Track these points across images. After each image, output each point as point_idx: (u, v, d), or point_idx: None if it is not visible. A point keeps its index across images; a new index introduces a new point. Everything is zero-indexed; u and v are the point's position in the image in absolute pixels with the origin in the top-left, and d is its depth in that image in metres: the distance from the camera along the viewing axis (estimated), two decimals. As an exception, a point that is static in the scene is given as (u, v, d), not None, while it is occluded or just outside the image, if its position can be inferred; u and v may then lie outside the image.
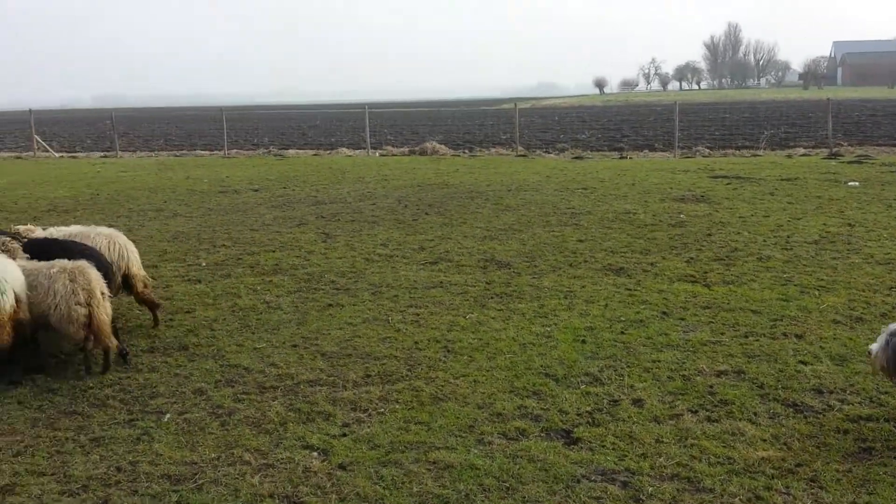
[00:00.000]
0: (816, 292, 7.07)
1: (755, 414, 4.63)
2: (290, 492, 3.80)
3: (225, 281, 8.08)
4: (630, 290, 7.34)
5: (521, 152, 24.05)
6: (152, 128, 53.49)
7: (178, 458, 4.16)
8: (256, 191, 16.00)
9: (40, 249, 6.03)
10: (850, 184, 13.98)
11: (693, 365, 5.40)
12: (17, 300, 5.29)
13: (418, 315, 6.75)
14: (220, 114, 30.39)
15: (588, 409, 4.76)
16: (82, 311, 5.38)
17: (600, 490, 3.82)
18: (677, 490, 3.81)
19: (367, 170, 19.98)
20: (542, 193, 14.03)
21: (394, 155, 25.83)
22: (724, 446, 4.22)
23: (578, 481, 3.90)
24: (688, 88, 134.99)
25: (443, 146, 26.62)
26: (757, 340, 5.88)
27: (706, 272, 7.92)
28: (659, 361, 5.49)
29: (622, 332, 6.12)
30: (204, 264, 8.92)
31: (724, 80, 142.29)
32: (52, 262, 5.62)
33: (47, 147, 30.69)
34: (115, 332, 5.74)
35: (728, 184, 14.51)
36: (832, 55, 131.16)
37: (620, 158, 21.69)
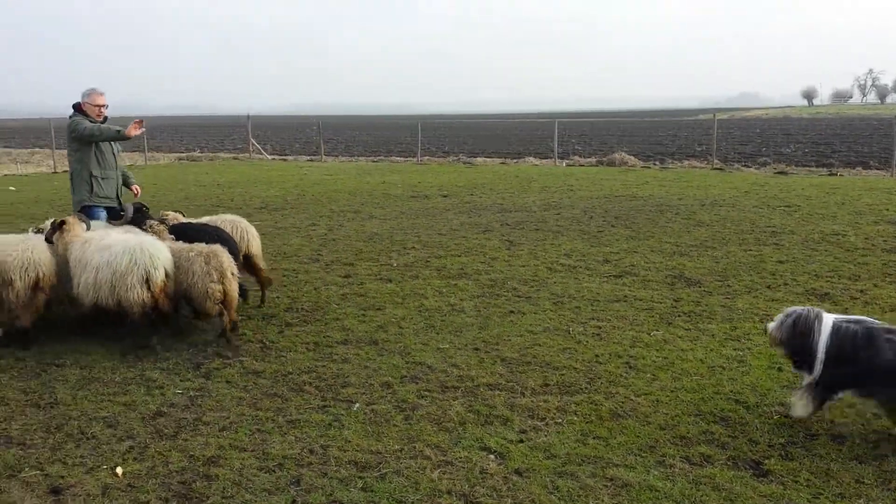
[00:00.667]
0: None
1: (980, 466, 4.12)
2: (467, 491, 3.89)
3: (413, 282, 8.41)
4: (834, 317, 6.78)
5: (717, 165, 22.96)
6: (353, 134, 56.68)
7: (364, 447, 4.39)
8: (445, 197, 16.48)
9: (183, 233, 6.86)
10: None
11: (906, 405, 4.90)
12: (167, 275, 6.07)
13: (600, 328, 6.65)
14: (415, 122, 31.61)
15: (781, 441, 4.47)
16: (217, 287, 6.09)
17: (791, 528, 3.57)
18: (881, 539, 3.48)
19: (553, 179, 19.95)
20: (738, 209, 13.32)
21: (581, 165, 25.58)
22: (939, 498, 3.80)
23: (766, 516, 3.67)
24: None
25: (632, 157, 26.00)
26: None
27: (926, 304, 7.16)
28: (865, 397, 5.02)
29: (823, 363, 5.67)
30: (395, 265, 9.33)
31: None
32: (191, 245, 6.37)
33: (261, 150, 33.48)
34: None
35: (958, 207, 12.99)
36: None
37: (829, 175, 20.09)
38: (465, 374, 5.54)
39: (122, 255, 5.95)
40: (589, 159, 27.64)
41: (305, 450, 4.36)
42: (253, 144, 32.96)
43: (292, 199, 16.25)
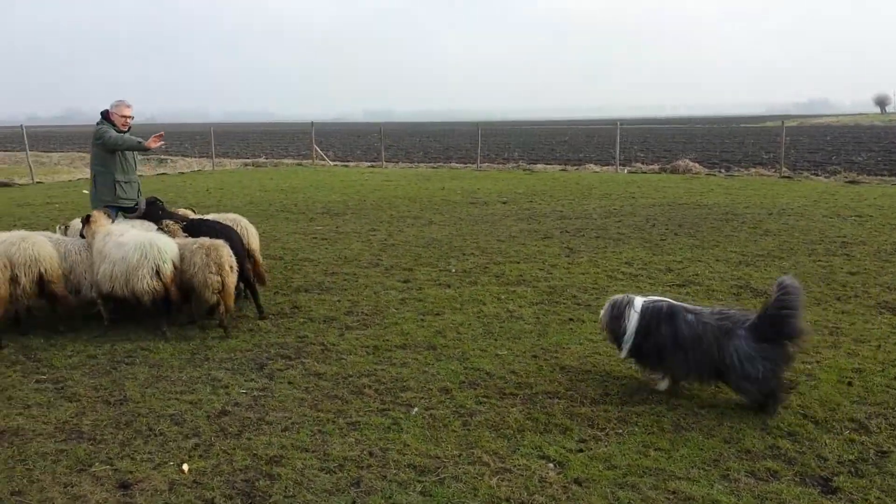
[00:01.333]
0: None
1: None
2: (526, 499, 3.87)
3: (472, 288, 8.42)
4: (910, 331, 6.53)
5: (785, 174, 22.35)
6: (413, 141, 57.08)
7: (423, 451, 4.41)
8: (505, 203, 16.46)
9: (195, 228, 7.52)
10: None
11: None
12: (175, 267, 6.73)
13: (662, 338, 6.53)
14: (475, 129, 31.68)
15: (851, 457, 4.32)
16: (216, 279, 6.66)
17: (862, 549, 3.44)
18: (960, 564, 3.33)
19: (614, 186, 19.72)
20: (807, 219, 12.94)
21: (643, 172, 25.22)
22: None
23: (836, 535, 3.55)
24: None
25: (696, 164, 25.53)
26: None
27: None
28: (943, 416, 4.82)
29: (897, 378, 5.47)
30: (454, 270, 9.36)
31: None
32: (195, 239, 7.02)
33: (324, 156, 34.01)
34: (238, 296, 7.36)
35: None
36: None
37: (904, 184, 19.35)
38: (523, 382, 5.52)
39: (135, 251, 6.63)
40: (651, 166, 27.23)
41: (365, 452, 4.41)
42: (316, 151, 33.50)
43: (353, 205, 16.45)
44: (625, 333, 5.30)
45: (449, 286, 8.54)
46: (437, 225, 13.28)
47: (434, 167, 30.70)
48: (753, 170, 24.77)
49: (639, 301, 5.37)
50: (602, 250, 10.55)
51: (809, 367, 5.75)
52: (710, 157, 31.99)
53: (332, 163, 33.13)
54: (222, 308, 6.80)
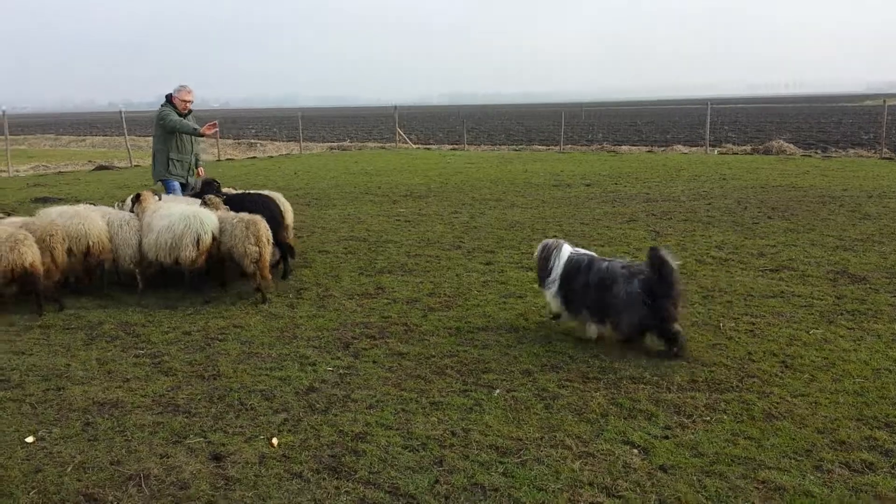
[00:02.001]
0: None
1: None
2: (609, 484, 3.82)
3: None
4: None
5: (886, 155, 21.21)
6: (495, 123, 56.84)
7: (504, 433, 4.41)
8: (588, 186, 16.22)
9: (236, 203, 8.22)
10: None
11: None
12: (214, 238, 7.37)
13: (754, 325, 6.33)
14: (559, 111, 31.28)
15: (958, 453, 4.09)
16: (254, 249, 7.25)
17: (970, 550, 3.26)
18: None
19: (703, 168, 19.16)
20: (912, 202, 12.24)
21: (734, 153, 24.41)
22: None
23: (940, 534, 3.37)
24: None
25: (791, 145, 24.53)
26: None
27: None
28: None
29: None
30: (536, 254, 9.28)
31: None
32: (237, 214, 7.59)
33: (406, 139, 34.28)
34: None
35: None
36: None
37: None
38: (607, 366, 5.44)
39: (180, 222, 7.34)
40: (743, 147, 26.33)
41: (448, 431, 4.44)
42: (399, 134, 33.80)
43: (435, 188, 16.53)
44: (550, 275, 6.12)
45: (531, 269, 8.47)
46: (519, 208, 13.21)
47: (516, 149, 30.52)
48: (852, 151, 23.65)
49: (567, 249, 6.17)
50: (690, 234, 10.28)
51: (913, 357, 5.46)
52: (805, 138, 30.68)
53: (414, 146, 33.37)
54: (259, 276, 7.37)
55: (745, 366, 5.41)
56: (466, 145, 32.24)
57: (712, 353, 5.66)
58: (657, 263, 5.60)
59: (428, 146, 33.55)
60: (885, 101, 24.33)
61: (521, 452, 4.17)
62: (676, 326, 5.62)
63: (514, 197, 14.63)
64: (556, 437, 4.34)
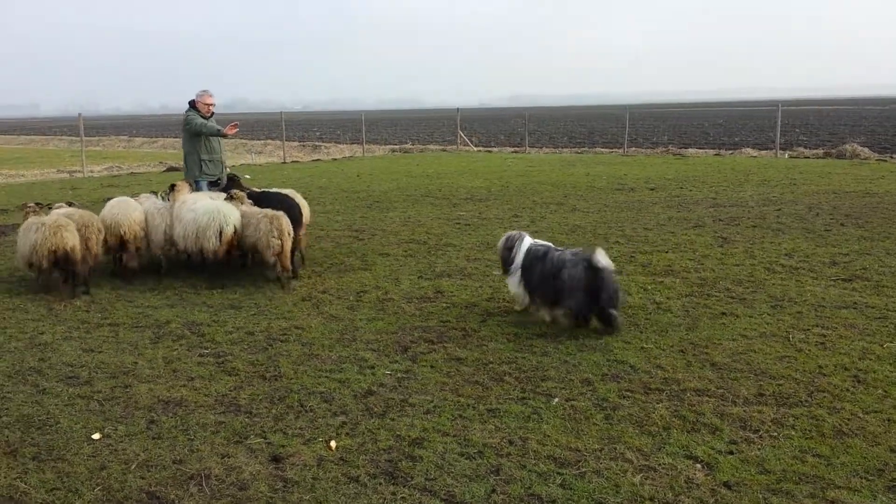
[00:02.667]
0: None
1: None
2: (671, 499, 3.72)
3: (616, 277, 8.19)
4: None
5: (971, 159, 20.24)
6: (558, 126, 56.43)
7: (563, 443, 4.34)
8: (653, 189, 15.94)
9: (259, 199, 8.79)
10: None
11: None
12: (235, 231, 8.02)
13: (824, 337, 6.10)
14: (623, 112, 30.83)
15: None
16: (276, 242, 7.85)
17: None
18: None
19: (773, 172, 18.62)
20: None
21: (806, 157, 23.66)
22: None
23: None
24: None
25: (865, 149, 23.64)
26: None
27: None
28: None
29: None
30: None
31: None
32: (261, 209, 8.22)
33: (468, 141, 34.30)
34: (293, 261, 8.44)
35: None
36: None
37: None
38: (670, 377, 5.31)
39: (205, 215, 8.00)
40: (815, 151, 25.49)
41: (505, 440, 4.40)
42: (461, 136, 33.84)
43: (496, 191, 16.47)
44: (513, 263, 6.73)
45: (593, 275, 8.35)
46: (580, 212, 13.05)
47: (578, 152, 30.22)
48: (934, 154, 22.61)
49: (528, 241, 6.79)
50: (759, 240, 9.98)
51: None
52: (881, 142, 29.54)
53: (476, 148, 33.35)
54: (279, 266, 8.04)
55: (815, 380, 5.21)
56: (528, 148, 32.06)
57: (780, 366, 5.47)
58: (593, 271, 6.23)
59: (489, 149, 33.50)
60: (969, 103, 23.22)
61: (580, 464, 4.09)
62: (614, 311, 6.24)
63: (575, 201, 14.47)
64: (616, 449, 4.25)
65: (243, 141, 43.79)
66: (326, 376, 5.47)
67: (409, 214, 13.24)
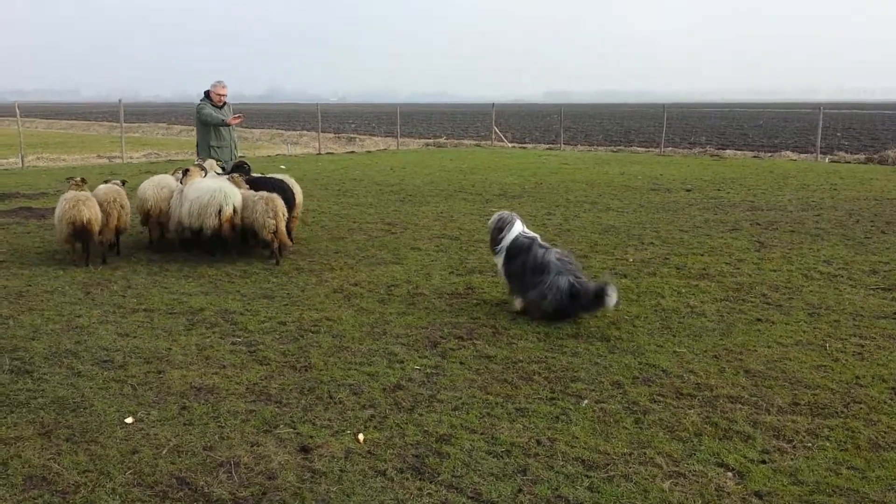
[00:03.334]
0: None
1: None
2: (700, 507, 3.67)
3: (650, 279, 8.12)
4: None
5: None
6: (593, 123, 56.00)
7: (591, 445, 4.31)
8: (689, 191, 15.75)
9: (257, 183, 9.44)
10: None
11: None
12: (235, 211, 8.65)
13: (862, 346, 5.97)
14: (661, 110, 30.49)
15: None
16: (272, 222, 8.55)
17: None
18: None
19: (813, 176, 18.28)
20: None
21: (847, 162, 23.20)
22: None
23: None
24: None
25: (911, 155, 23.05)
26: None
27: None
28: None
29: None
30: (631, 260, 9.07)
31: None
32: (258, 192, 8.85)
33: (502, 137, 34.20)
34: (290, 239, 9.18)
35: None
36: None
37: None
38: (703, 383, 5.24)
39: (207, 194, 8.60)
40: (857, 155, 24.98)
41: (533, 440, 4.37)
42: (495, 132, 33.74)
43: (529, 188, 16.40)
44: (500, 244, 6.95)
45: (625, 276, 8.29)
46: (614, 211, 12.94)
47: (614, 150, 29.97)
48: (982, 162, 22.03)
49: (518, 227, 6.99)
50: (797, 246, 9.81)
51: None
52: (927, 147, 28.77)
53: (510, 144, 33.23)
54: (276, 244, 8.73)
55: (852, 390, 5.11)
56: (563, 145, 31.86)
57: (816, 375, 5.37)
58: (598, 295, 6.40)
59: (524, 145, 33.36)
60: None
61: (609, 467, 4.05)
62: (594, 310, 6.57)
63: (609, 200, 14.35)
64: (645, 453, 4.21)
65: (279, 131, 44.15)
66: (356, 369, 5.49)
67: (442, 209, 13.24)
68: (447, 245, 10.01)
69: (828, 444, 4.33)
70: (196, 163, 10.24)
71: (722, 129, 46.24)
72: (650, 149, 29.96)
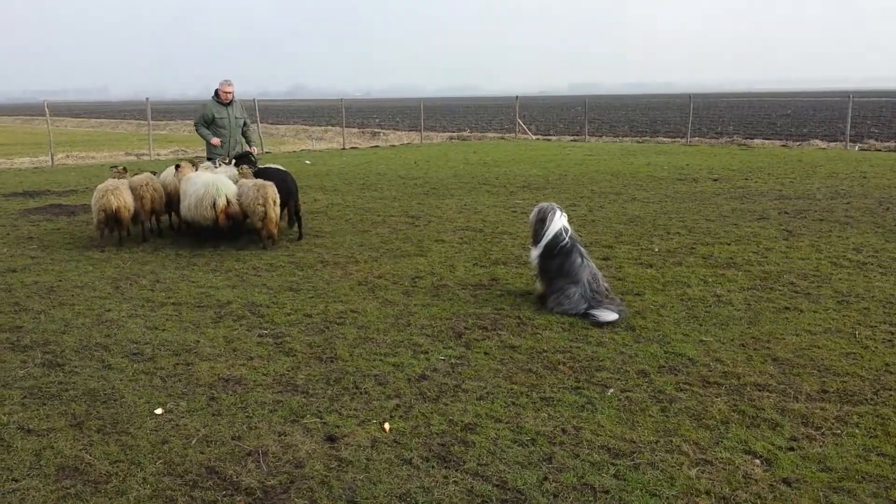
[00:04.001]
0: None
1: None
2: (728, 494, 3.65)
3: (676, 269, 8.06)
4: None
5: None
6: (619, 114, 55.58)
7: (617, 434, 4.30)
8: (716, 180, 15.59)
9: (261, 174, 9.84)
10: None
11: None
12: (228, 201, 9.09)
13: (892, 334, 5.89)
14: (687, 101, 30.18)
15: None
16: (261, 209, 9.00)
17: None
18: None
19: (842, 165, 18.00)
20: None
21: (877, 150, 22.80)
22: None
23: None
24: None
25: (944, 142, 22.60)
26: None
27: None
28: None
29: None
30: (657, 250, 9.01)
31: None
32: (255, 180, 9.29)
33: (526, 129, 34.07)
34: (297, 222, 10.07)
35: None
36: None
37: None
38: (729, 371, 5.20)
39: (202, 187, 9.09)
40: (888, 143, 24.54)
41: (558, 428, 4.37)
42: (519, 125, 33.63)
43: (554, 179, 16.34)
44: (543, 237, 6.79)
45: (651, 266, 8.23)
46: (640, 202, 12.85)
47: (639, 141, 29.73)
48: None
49: (559, 219, 6.85)
50: (826, 234, 9.67)
51: None
52: (961, 133, 28.23)
53: (534, 136, 33.11)
54: (265, 231, 9.18)
55: (882, 378, 5.04)
56: (587, 136, 31.67)
57: (846, 363, 5.30)
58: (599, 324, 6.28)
59: (548, 137, 33.22)
60: None
61: (635, 455, 4.04)
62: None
63: (634, 191, 14.25)
64: (671, 441, 4.19)
65: (304, 127, 44.38)
66: (381, 360, 5.52)
67: (466, 202, 13.24)
68: (471, 237, 10.02)
69: (857, 432, 4.28)
70: (189, 159, 11.12)
71: (749, 119, 45.68)
72: (677, 139, 29.68)
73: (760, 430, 4.31)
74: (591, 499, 3.64)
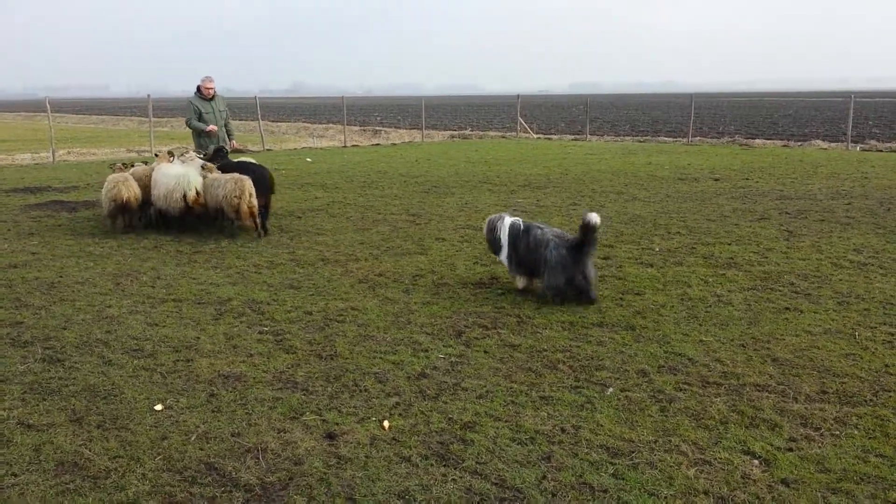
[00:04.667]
0: None
1: None
2: (726, 494, 3.65)
3: (676, 268, 8.06)
4: None
5: None
6: (620, 114, 55.55)
7: (616, 433, 4.30)
8: (717, 180, 15.59)
9: (236, 167, 10.33)
10: None
11: None
12: (198, 193, 9.71)
13: (892, 335, 5.89)
14: (689, 101, 30.17)
15: None
16: (235, 201, 9.41)
17: None
18: None
19: (843, 165, 18.00)
20: None
21: (878, 151, 22.79)
22: None
23: None
24: None
25: (946, 143, 22.59)
26: None
27: None
28: None
29: None
30: (657, 249, 9.01)
31: None
32: (232, 174, 9.69)
33: (528, 128, 34.07)
34: (261, 218, 10.02)
35: None
36: None
37: None
38: (729, 371, 5.20)
39: (171, 180, 9.80)
40: (889, 144, 24.54)
41: (557, 427, 4.38)
42: (520, 123, 33.62)
43: (555, 178, 16.33)
44: (500, 242, 7.16)
45: (651, 265, 8.24)
46: (640, 201, 12.85)
47: (640, 140, 29.73)
48: None
49: (508, 219, 7.21)
50: (827, 235, 9.67)
51: None
52: (963, 135, 28.22)
53: (535, 135, 33.10)
54: (238, 223, 9.75)
55: (881, 379, 5.04)
56: (588, 135, 31.67)
57: (845, 364, 5.31)
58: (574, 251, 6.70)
59: (549, 136, 33.21)
60: None
61: (633, 455, 4.05)
62: (593, 293, 6.81)
63: (635, 190, 14.25)
64: (670, 441, 4.19)
65: (305, 125, 44.38)
66: (381, 357, 5.52)
67: (467, 200, 13.24)
68: (471, 235, 10.02)
69: (856, 433, 4.29)
70: (169, 151, 11.53)
71: (751, 119, 45.68)
72: (678, 139, 29.68)
73: (759, 431, 4.31)
74: (589, 498, 3.64)
